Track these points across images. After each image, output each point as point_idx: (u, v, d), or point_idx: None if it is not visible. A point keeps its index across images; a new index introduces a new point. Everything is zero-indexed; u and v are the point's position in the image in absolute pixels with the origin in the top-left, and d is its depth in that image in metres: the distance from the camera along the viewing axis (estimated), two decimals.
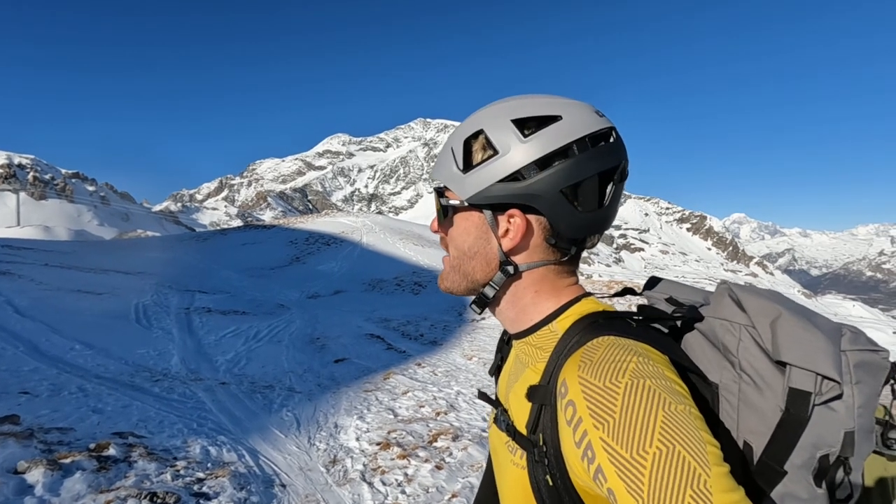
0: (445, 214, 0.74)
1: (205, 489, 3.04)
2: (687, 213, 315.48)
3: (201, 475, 3.19)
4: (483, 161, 0.68)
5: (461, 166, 0.70)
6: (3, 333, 7.62)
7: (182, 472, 3.19)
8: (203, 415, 4.94)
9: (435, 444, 4.08)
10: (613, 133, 0.68)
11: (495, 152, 0.67)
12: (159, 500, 2.74)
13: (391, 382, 6.68)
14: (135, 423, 4.31)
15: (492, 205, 0.68)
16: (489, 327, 11.49)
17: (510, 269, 0.70)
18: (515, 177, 0.66)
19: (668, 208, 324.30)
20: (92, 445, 3.38)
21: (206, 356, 8.11)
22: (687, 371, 0.62)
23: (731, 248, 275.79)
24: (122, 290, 13.66)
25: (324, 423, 5.01)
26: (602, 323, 0.64)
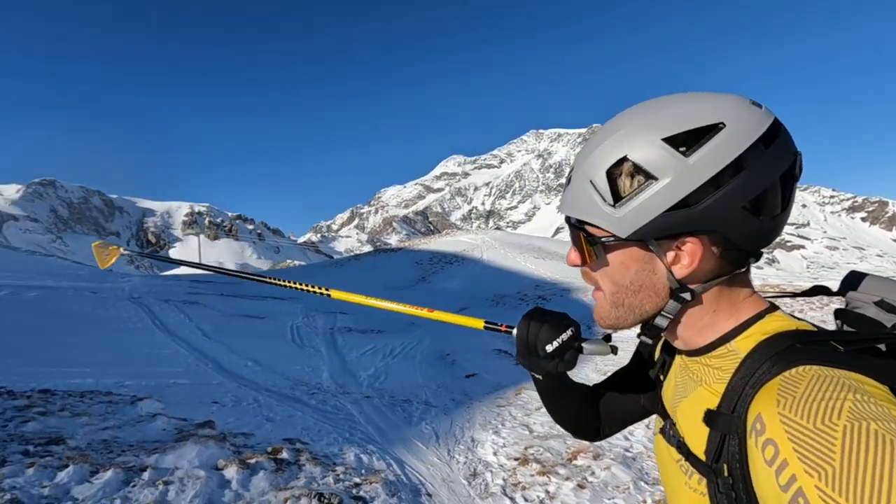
0: (592, 252, 0.67)
1: (361, 493, 3.33)
2: (860, 199, 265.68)
3: (357, 480, 3.50)
4: (636, 190, 0.61)
5: (609, 200, 0.62)
6: (196, 353, 9.18)
7: (342, 476, 3.54)
8: (353, 425, 5.41)
9: (575, 461, 3.96)
10: (780, 126, 0.60)
11: (650, 178, 0.60)
12: (325, 501, 3.07)
13: (523, 398, 6.65)
14: (299, 431, 4.88)
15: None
16: (621, 340, 10.82)
17: (686, 296, 0.63)
18: (685, 202, 0.58)
19: (832, 196, 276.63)
20: (269, 449, 3.91)
21: (350, 372, 8.87)
22: None
23: None
24: (279, 314, 15.61)
25: (461, 437, 5.16)
26: (800, 348, 0.56)
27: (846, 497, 0.42)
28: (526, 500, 3.59)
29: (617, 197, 0.62)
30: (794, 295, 0.74)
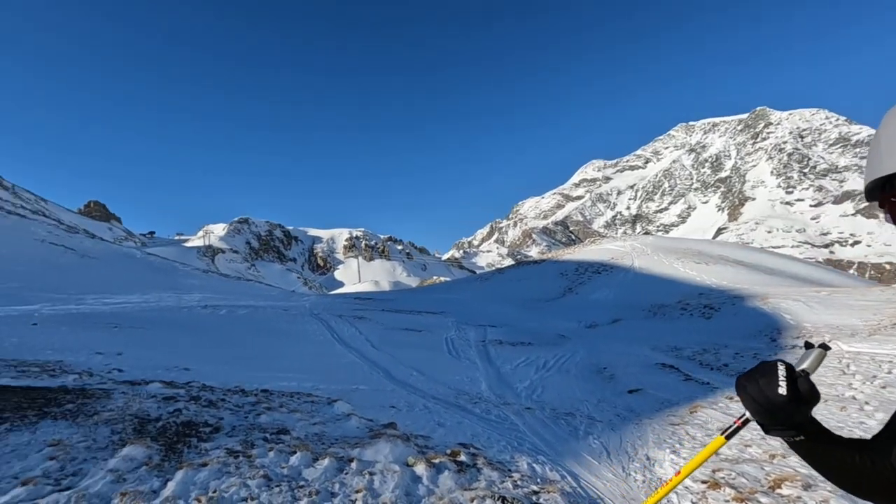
0: None
1: (541, 501, 3.40)
2: None
3: (535, 488, 3.58)
4: None
5: None
6: (369, 362, 10.25)
7: (519, 483, 3.65)
8: (519, 435, 5.51)
9: (779, 490, 3.50)
10: None
11: None
12: None
13: (700, 416, 6.07)
14: (469, 437, 5.15)
15: None
16: None
17: None
18: None
19: None
20: (448, 451, 4.21)
21: (506, 383, 9.03)
22: None
23: None
24: (434, 327, 16.59)
25: (633, 454, 4.92)
26: None
27: None
28: None
29: None
30: None
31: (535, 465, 4.26)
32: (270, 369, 8.32)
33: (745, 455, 4.41)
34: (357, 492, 3.11)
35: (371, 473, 3.40)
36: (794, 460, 4.08)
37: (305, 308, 19.37)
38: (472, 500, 3.18)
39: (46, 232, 24.50)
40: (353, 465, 3.53)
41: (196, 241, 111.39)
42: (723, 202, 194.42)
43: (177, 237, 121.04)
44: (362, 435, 4.47)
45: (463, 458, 4.05)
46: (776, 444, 4.67)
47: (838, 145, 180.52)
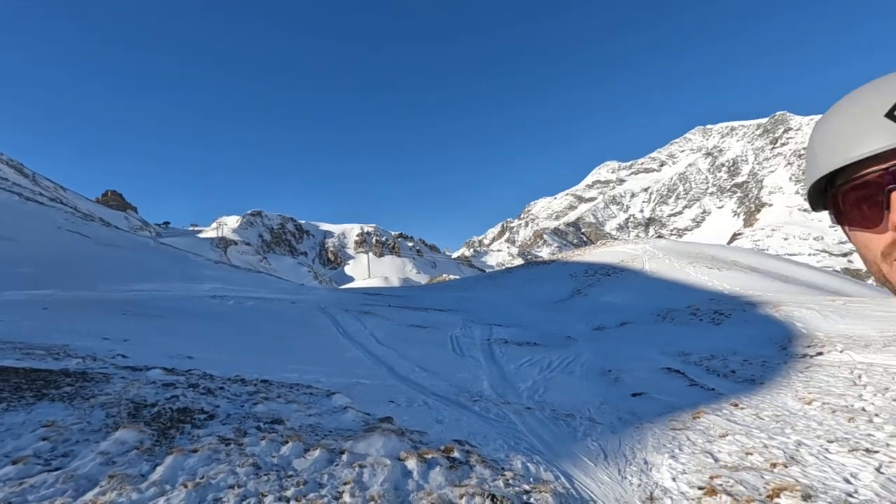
0: None
1: (531, 501, 3.35)
2: None
3: (527, 487, 3.53)
4: None
5: None
6: (373, 357, 10.26)
7: (511, 481, 3.61)
8: (517, 435, 5.46)
9: (777, 500, 3.41)
10: None
11: None
12: (498, 502, 3.16)
13: (703, 423, 5.96)
14: (466, 434, 5.12)
15: None
16: (831, 364, 8.99)
17: None
18: None
19: None
20: (442, 447, 4.18)
21: (509, 382, 8.97)
22: None
23: None
24: (440, 324, 16.58)
25: (631, 458, 4.84)
26: None
27: None
28: None
29: None
30: None
31: (529, 464, 4.21)
32: (274, 360, 8.36)
33: (746, 462, 4.31)
34: (345, 483, 3.09)
35: (361, 466, 3.38)
36: (796, 470, 3.98)
37: (313, 301, 19.49)
38: (461, 497, 3.14)
39: (63, 219, 24.95)
40: (345, 457, 3.51)
41: (210, 233, 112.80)
42: (738, 207, 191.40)
43: (191, 228, 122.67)
44: (357, 428, 4.46)
45: (456, 454, 4.01)
46: (779, 452, 4.57)
47: None
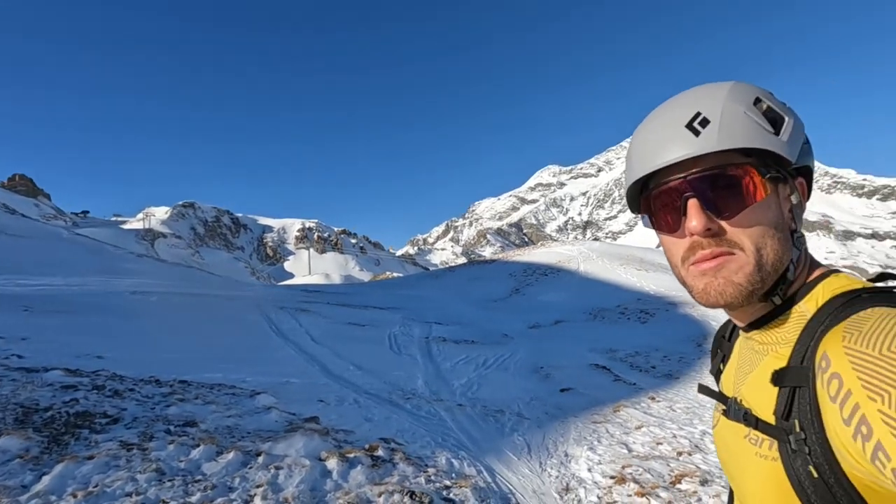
0: (764, 188, 0.63)
1: (451, 496, 3.39)
2: None
3: (448, 483, 3.57)
4: (781, 126, 0.63)
5: (770, 128, 0.63)
6: (306, 355, 9.98)
7: (433, 477, 3.63)
8: (446, 431, 5.51)
9: (678, 486, 3.66)
10: None
11: (783, 118, 0.64)
12: (417, 499, 3.17)
13: (622, 416, 6.29)
14: (395, 432, 5.09)
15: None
16: None
17: (801, 239, 0.66)
18: (806, 140, 0.66)
19: None
20: (367, 446, 4.13)
21: (444, 380, 9.04)
22: None
23: None
24: (379, 322, 16.41)
25: (553, 451, 5.02)
26: (866, 297, 0.56)
27: None
28: None
29: (773, 125, 0.63)
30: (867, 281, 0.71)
31: (454, 460, 4.26)
32: (197, 360, 7.92)
33: (656, 452, 4.60)
34: (258, 486, 2.98)
35: (277, 468, 3.27)
36: (698, 458, 4.29)
37: (247, 298, 18.65)
38: (379, 495, 3.12)
39: None
40: (261, 459, 3.38)
41: (135, 224, 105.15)
42: None
43: (113, 218, 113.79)
44: (279, 429, 4.31)
45: (381, 452, 3.98)
46: (685, 441, 4.91)
47: None
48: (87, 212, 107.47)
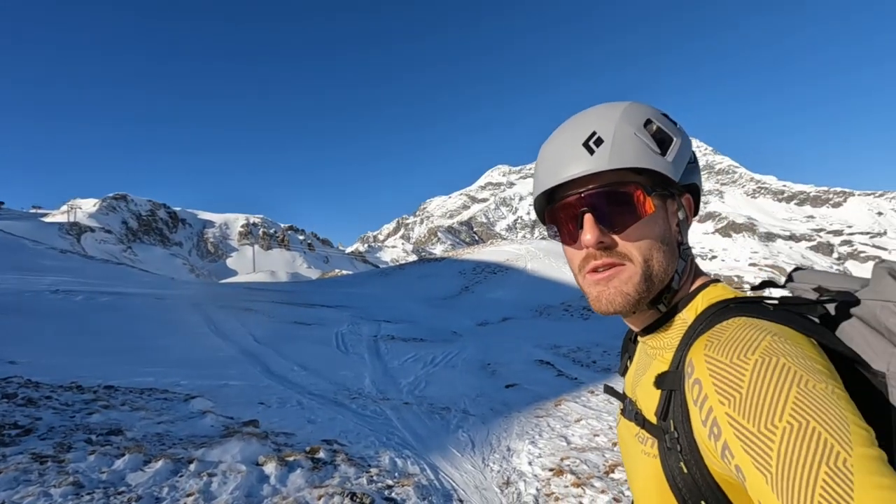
0: (650, 205, 0.67)
1: (393, 495, 3.38)
2: None
3: (390, 482, 3.56)
4: (668, 147, 0.68)
5: (657, 149, 0.67)
6: (248, 357, 9.62)
7: (375, 478, 3.61)
8: (391, 430, 5.49)
9: (612, 475, 3.84)
10: None
11: (671, 139, 0.68)
12: (358, 500, 3.14)
13: (563, 409, 6.51)
14: (338, 433, 5.01)
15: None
16: None
17: (687, 252, 0.72)
18: (692, 160, 0.71)
19: None
20: (308, 448, 4.04)
21: (391, 378, 8.99)
22: (847, 360, 0.55)
23: None
24: (327, 321, 16.07)
25: (497, 446, 5.12)
26: (734, 307, 0.62)
27: (747, 418, 0.47)
28: None
29: (661, 146, 0.68)
30: (750, 289, 0.80)
31: (397, 459, 4.25)
32: (126, 363, 7.45)
33: (593, 444, 4.80)
34: (188, 495, 2.84)
35: (211, 475, 3.14)
36: None
37: (185, 297, 17.71)
38: (319, 498, 3.06)
39: None
40: (193, 466, 3.23)
41: (59, 217, 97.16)
42: None
43: (32, 210, 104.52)
44: (214, 434, 4.14)
45: (322, 455, 3.91)
46: None
47: (704, 172, 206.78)
48: (2, 203, 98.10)
